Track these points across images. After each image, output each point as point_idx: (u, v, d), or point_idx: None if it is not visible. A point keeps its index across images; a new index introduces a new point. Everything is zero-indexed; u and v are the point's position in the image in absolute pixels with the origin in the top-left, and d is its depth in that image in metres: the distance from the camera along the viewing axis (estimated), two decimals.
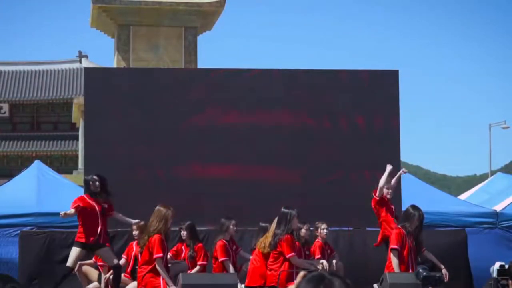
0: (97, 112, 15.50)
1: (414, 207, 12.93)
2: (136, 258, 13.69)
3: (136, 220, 13.74)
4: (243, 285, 13.02)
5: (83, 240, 12.85)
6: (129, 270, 13.94)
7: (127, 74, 17.12)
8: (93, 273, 14.44)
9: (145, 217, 12.95)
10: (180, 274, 12.29)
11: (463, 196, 20.98)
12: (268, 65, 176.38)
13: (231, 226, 13.94)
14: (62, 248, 15.23)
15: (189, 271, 13.29)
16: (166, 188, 15.20)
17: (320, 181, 15.53)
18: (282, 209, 12.72)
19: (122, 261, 14.12)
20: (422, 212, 12.82)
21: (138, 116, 15.36)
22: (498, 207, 17.68)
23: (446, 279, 12.66)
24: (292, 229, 12.61)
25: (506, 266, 14.89)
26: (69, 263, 13.15)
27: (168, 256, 12.80)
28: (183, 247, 14.07)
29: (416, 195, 15.96)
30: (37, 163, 18.50)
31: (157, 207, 12.34)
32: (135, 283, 12.98)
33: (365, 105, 15.81)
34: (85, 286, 14.42)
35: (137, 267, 13.26)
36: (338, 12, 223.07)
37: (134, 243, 14.05)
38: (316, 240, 14.33)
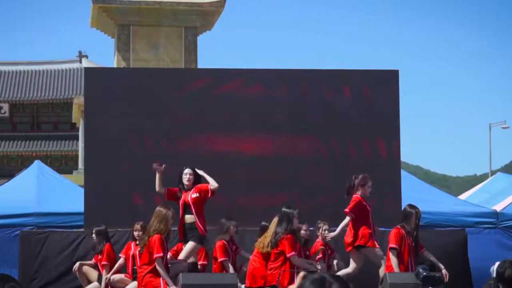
0: (97, 112, 15.48)
1: (411, 206, 12.96)
2: (133, 258, 13.68)
3: None
4: (243, 286, 13.00)
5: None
6: (130, 270, 13.93)
7: (127, 74, 17.11)
8: (93, 273, 14.43)
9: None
10: (180, 274, 12.27)
11: (463, 196, 20.95)
12: (267, 65, 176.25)
13: (232, 227, 13.92)
14: (62, 248, 15.22)
15: None
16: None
17: (320, 183, 15.49)
18: (283, 209, 12.71)
19: (121, 260, 14.12)
20: (419, 210, 12.85)
21: (138, 116, 15.34)
22: (498, 207, 17.65)
23: (446, 279, 12.65)
24: (293, 229, 12.58)
25: None
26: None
27: (168, 256, 12.79)
28: (183, 247, 14.03)
29: (416, 195, 15.94)
30: (37, 163, 18.47)
31: (157, 208, 12.39)
32: (135, 283, 12.98)
33: (364, 105, 15.76)
34: (85, 286, 14.42)
35: (135, 267, 13.26)
36: (338, 12, 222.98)
37: (133, 243, 14.05)
38: (317, 240, 14.29)
